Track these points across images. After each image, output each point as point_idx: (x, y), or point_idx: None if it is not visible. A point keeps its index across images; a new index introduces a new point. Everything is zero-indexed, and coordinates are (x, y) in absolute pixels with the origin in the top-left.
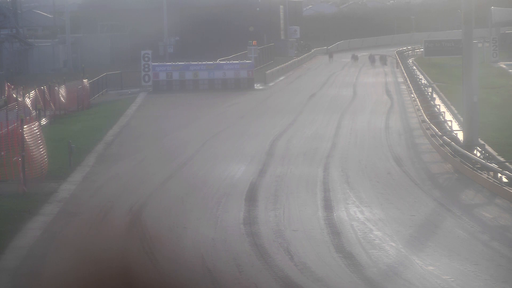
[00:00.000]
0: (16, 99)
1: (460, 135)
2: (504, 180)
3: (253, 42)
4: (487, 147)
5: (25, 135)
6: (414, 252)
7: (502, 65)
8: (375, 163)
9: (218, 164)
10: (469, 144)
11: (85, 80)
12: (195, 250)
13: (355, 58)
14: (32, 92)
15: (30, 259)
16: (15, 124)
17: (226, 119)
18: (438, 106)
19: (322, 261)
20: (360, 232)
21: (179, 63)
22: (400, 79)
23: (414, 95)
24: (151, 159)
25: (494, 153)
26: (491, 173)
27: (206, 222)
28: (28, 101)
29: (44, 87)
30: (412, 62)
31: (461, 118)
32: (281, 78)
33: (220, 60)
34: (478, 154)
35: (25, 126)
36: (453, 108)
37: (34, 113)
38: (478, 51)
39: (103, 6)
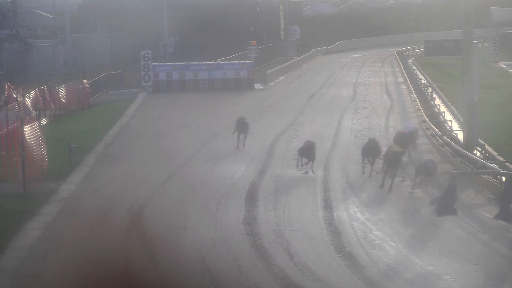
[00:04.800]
0: (16, 99)
1: (460, 135)
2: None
3: (253, 42)
4: (487, 147)
5: (25, 135)
6: (414, 252)
7: (502, 65)
8: (375, 163)
9: (218, 164)
10: (469, 144)
11: (85, 80)
12: (195, 250)
13: (241, 126)
14: (32, 92)
15: (30, 259)
16: (15, 124)
17: (226, 119)
18: (438, 106)
19: (322, 261)
20: (360, 232)
21: (179, 63)
22: (400, 79)
23: (414, 95)
24: (151, 159)
25: (494, 153)
26: None
27: (206, 222)
28: (28, 101)
29: (44, 87)
30: (412, 62)
31: (461, 118)
32: (281, 78)
33: (220, 60)
34: (478, 154)
35: (25, 126)
36: (453, 108)
37: (34, 113)
38: (478, 51)
39: (103, 6)
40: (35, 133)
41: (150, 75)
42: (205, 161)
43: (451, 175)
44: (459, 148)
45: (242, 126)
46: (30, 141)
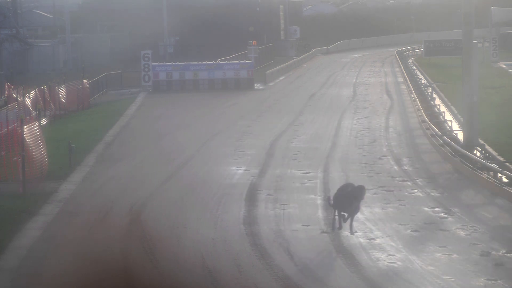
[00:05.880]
0: (16, 99)
1: (460, 135)
2: (504, 180)
3: (253, 42)
4: (487, 147)
5: (25, 135)
6: (414, 252)
7: (502, 65)
8: (375, 163)
9: (218, 164)
10: (469, 144)
11: (85, 80)
12: (195, 250)
13: (345, 200)
14: (32, 92)
15: (30, 259)
16: (15, 124)
17: (226, 119)
18: (438, 106)
19: (322, 261)
20: (360, 232)
21: (179, 63)
22: (400, 79)
23: (414, 95)
24: (151, 159)
25: (494, 153)
26: (491, 173)
27: (206, 222)
28: (28, 101)
29: (44, 87)
30: (412, 62)
31: (461, 118)
32: (281, 78)
33: (220, 60)
34: (478, 154)
35: (25, 126)
36: (453, 108)
37: (34, 113)
38: (478, 51)
39: (103, 6)
40: (35, 133)
41: (150, 75)
42: (205, 161)
43: None
44: (459, 148)
45: (348, 201)
46: (30, 141)
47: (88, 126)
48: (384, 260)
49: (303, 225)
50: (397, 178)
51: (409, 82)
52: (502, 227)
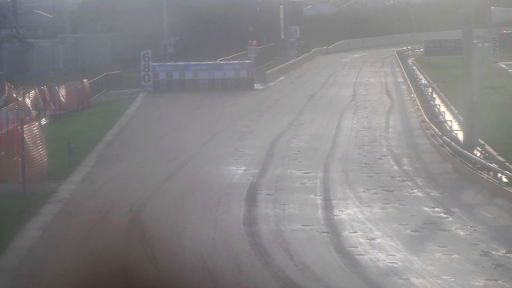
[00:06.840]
0: (16, 99)
1: (460, 135)
2: (504, 180)
3: (253, 42)
4: (487, 147)
5: (24, 135)
6: (414, 252)
7: (502, 65)
8: (375, 163)
9: (218, 164)
10: (469, 144)
11: (85, 80)
12: (195, 250)
13: None
14: (32, 92)
15: (30, 259)
16: (15, 124)
17: (226, 119)
18: (438, 106)
19: (322, 261)
20: (360, 232)
21: (179, 63)
22: (400, 79)
23: (414, 95)
24: (151, 159)
25: (494, 153)
26: (491, 173)
27: (206, 222)
28: (28, 101)
29: (44, 87)
30: (412, 62)
31: (461, 118)
32: (281, 78)
33: (220, 60)
34: (478, 154)
35: (24, 126)
36: (453, 108)
37: (34, 113)
38: (478, 51)
39: (103, 6)
40: (34, 133)
41: (150, 75)
42: (205, 161)
43: None
44: (459, 148)
45: None
46: (30, 141)
47: (88, 126)
48: (384, 260)
49: (303, 225)
50: (397, 178)
51: (409, 82)
52: (502, 227)
